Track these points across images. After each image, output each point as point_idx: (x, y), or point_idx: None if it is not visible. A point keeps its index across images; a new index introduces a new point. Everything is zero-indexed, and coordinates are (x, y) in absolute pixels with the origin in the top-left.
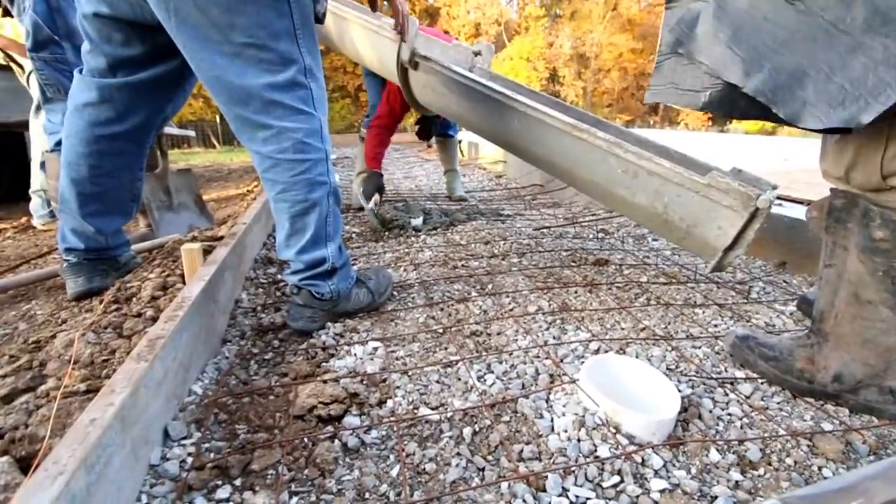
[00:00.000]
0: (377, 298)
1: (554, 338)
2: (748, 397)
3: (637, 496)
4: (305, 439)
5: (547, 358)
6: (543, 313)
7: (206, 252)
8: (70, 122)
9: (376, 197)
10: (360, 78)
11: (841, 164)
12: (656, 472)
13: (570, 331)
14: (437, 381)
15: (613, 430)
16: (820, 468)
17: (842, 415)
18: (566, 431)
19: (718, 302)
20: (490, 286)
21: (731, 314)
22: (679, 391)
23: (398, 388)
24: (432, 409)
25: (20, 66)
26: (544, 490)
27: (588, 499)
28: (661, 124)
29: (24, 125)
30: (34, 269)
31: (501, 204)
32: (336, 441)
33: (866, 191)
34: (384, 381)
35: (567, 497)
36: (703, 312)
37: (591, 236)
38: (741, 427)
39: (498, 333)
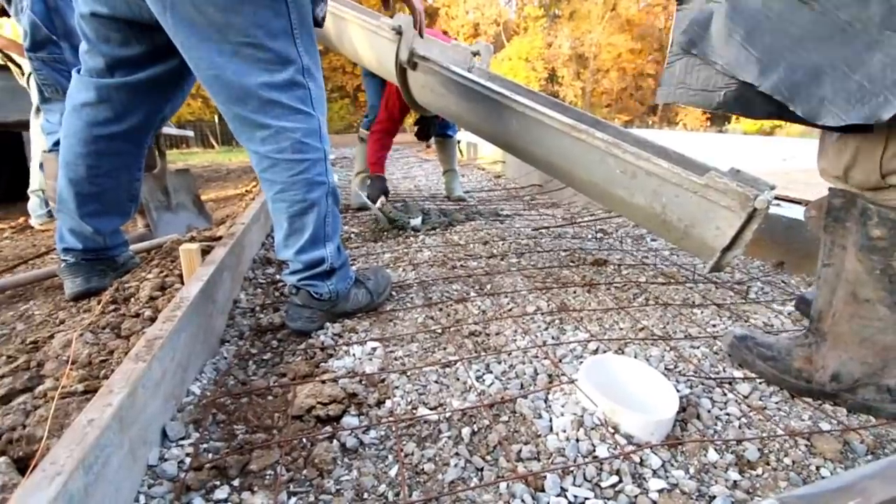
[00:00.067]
0: (376, 299)
1: (552, 338)
2: (746, 397)
3: (635, 496)
4: (304, 439)
5: (545, 358)
6: (542, 313)
7: (205, 252)
8: (68, 122)
9: (382, 198)
10: (359, 78)
11: (840, 163)
12: (654, 472)
13: (569, 331)
14: (436, 382)
15: (612, 430)
16: (818, 468)
17: (840, 414)
18: (565, 431)
19: (717, 302)
20: (489, 286)
21: (730, 314)
22: (677, 391)
23: (397, 388)
24: (431, 409)
25: (19, 66)
26: (543, 490)
27: (586, 499)
28: (659, 124)
29: (22, 125)
30: (32, 270)
31: (500, 204)
32: (334, 441)
33: (865, 189)
34: (383, 381)
35: (566, 497)
36: (702, 312)
37: (589, 236)
38: (739, 427)
39: (496, 333)
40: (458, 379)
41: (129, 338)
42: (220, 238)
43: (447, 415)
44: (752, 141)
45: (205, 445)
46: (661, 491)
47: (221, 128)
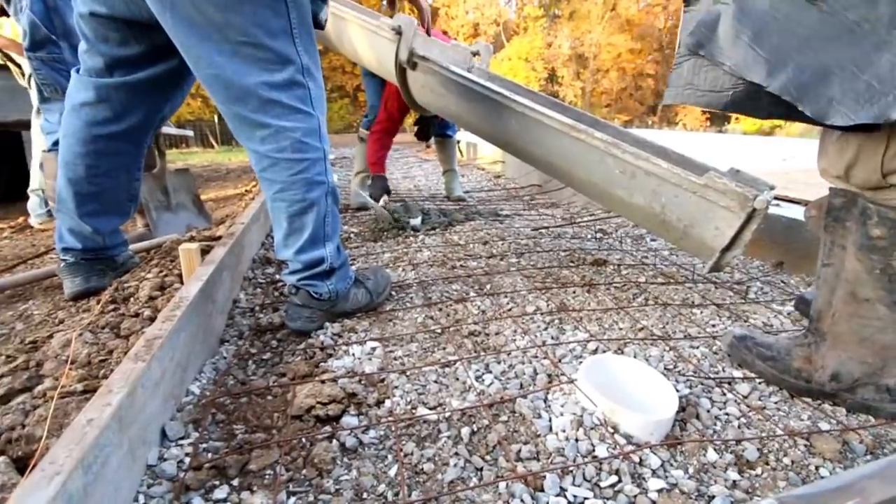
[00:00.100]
0: (375, 298)
1: (552, 338)
2: (746, 397)
3: (635, 496)
4: (303, 439)
5: (545, 358)
6: (542, 313)
7: (204, 252)
8: (67, 121)
9: (385, 197)
10: (359, 78)
11: (842, 162)
12: (654, 472)
13: (569, 331)
14: (436, 381)
15: (611, 430)
16: (817, 468)
17: (839, 414)
18: (564, 431)
19: (716, 302)
20: (488, 286)
21: (729, 314)
22: (677, 391)
23: (396, 388)
24: (430, 409)
25: (19, 66)
26: (542, 490)
27: (586, 498)
28: (659, 125)
29: (22, 125)
30: (31, 269)
31: (500, 204)
32: (334, 441)
33: (866, 189)
34: (382, 381)
35: (565, 497)
36: (701, 312)
37: (589, 236)
38: (739, 427)
39: (496, 333)
40: (457, 379)
41: (129, 337)
42: (219, 238)
43: (447, 415)
44: (752, 141)
45: (204, 445)
46: (660, 491)
47: (221, 127)
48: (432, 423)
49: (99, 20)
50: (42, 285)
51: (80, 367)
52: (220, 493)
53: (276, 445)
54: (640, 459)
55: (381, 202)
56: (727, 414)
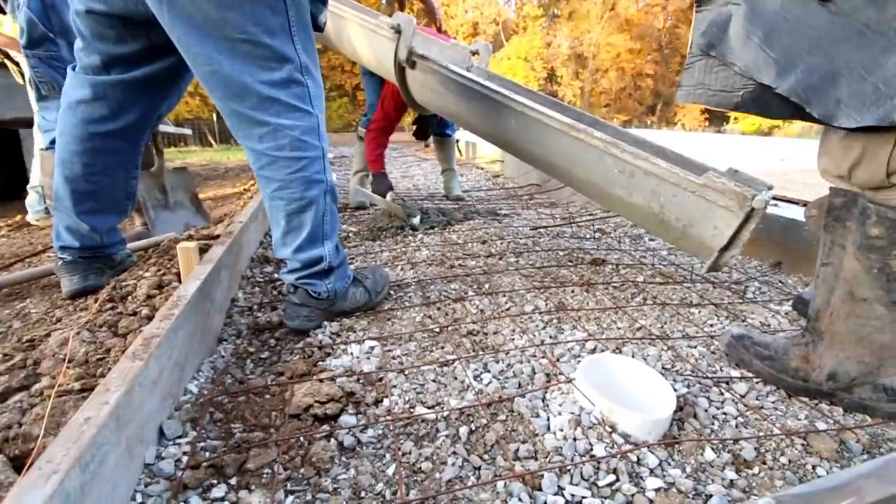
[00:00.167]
0: (374, 297)
1: (550, 337)
2: (743, 396)
3: (632, 495)
4: (301, 438)
5: (543, 357)
6: (540, 313)
7: (202, 251)
8: (63, 119)
9: (391, 193)
10: (358, 77)
11: (846, 161)
12: (651, 471)
13: (567, 330)
14: (434, 381)
15: (609, 430)
16: (814, 467)
17: (836, 414)
18: (562, 430)
19: (714, 302)
20: (487, 285)
21: (727, 314)
22: (675, 390)
23: (394, 387)
24: (429, 408)
25: (17, 64)
26: (540, 489)
27: (583, 497)
28: (658, 124)
29: (19, 122)
30: (29, 268)
31: (499, 203)
32: (332, 440)
33: (867, 189)
34: (380, 380)
35: (563, 496)
36: (699, 312)
37: (587, 236)
38: (736, 426)
39: (494, 333)
40: (455, 378)
41: (127, 336)
42: (217, 236)
43: (445, 414)
44: (751, 141)
45: (202, 444)
46: (657, 490)
47: (219, 126)
48: (430, 423)
49: (96, 17)
50: (40, 283)
51: (78, 365)
52: (217, 491)
53: (274, 444)
54: (638, 458)
55: (389, 196)
56: (725, 413)
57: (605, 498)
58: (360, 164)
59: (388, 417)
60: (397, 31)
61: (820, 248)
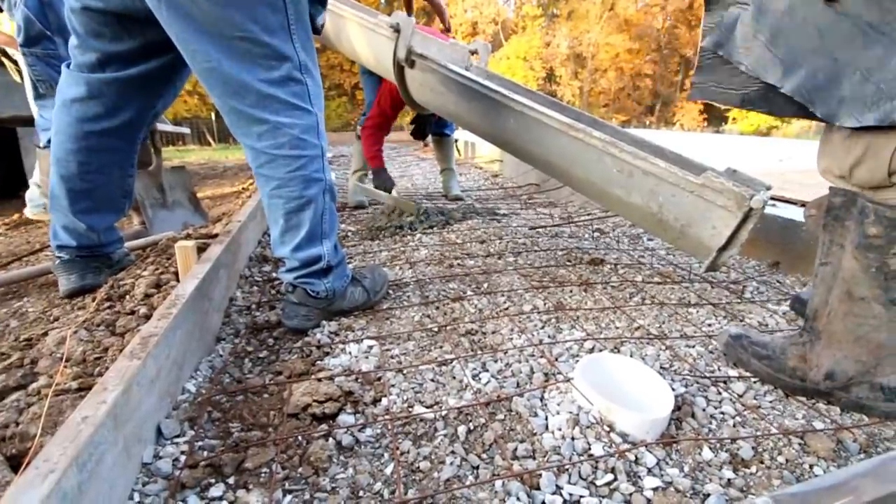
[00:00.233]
0: (372, 297)
1: (549, 336)
2: (741, 396)
3: (630, 494)
4: (299, 437)
5: (542, 357)
6: (538, 312)
7: (201, 250)
8: (58, 117)
9: (395, 190)
10: (357, 76)
11: (848, 159)
12: (649, 471)
13: (565, 330)
14: (432, 380)
15: (607, 429)
16: (811, 466)
17: (833, 413)
18: (560, 430)
19: (712, 301)
20: (485, 285)
21: (725, 314)
22: (672, 390)
23: (393, 386)
24: (427, 407)
25: (15, 62)
26: (538, 488)
27: (581, 497)
28: (656, 124)
29: (17, 121)
30: (26, 266)
31: (497, 203)
32: (330, 439)
33: (867, 188)
34: (379, 379)
35: (561, 495)
36: (697, 312)
37: (586, 236)
38: (734, 425)
39: (493, 332)
40: (454, 377)
41: (124, 335)
42: (216, 235)
43: (443, 413)
44: (749, 141)
45: (200, 443)
46: (655, 489)
47: (218, 125)
48: (429, 422)
49: (91, 15)
50: (37, 282)
51: (75, 364)
52: (215, 491)
53: (273, 443)
54: (636, 458)
55: (394, 191)
56: (722, 413)
57: (603, 497)
58: (359, 163)
59: (387, 417)
60: (396, 30)
61: (818, 248)
